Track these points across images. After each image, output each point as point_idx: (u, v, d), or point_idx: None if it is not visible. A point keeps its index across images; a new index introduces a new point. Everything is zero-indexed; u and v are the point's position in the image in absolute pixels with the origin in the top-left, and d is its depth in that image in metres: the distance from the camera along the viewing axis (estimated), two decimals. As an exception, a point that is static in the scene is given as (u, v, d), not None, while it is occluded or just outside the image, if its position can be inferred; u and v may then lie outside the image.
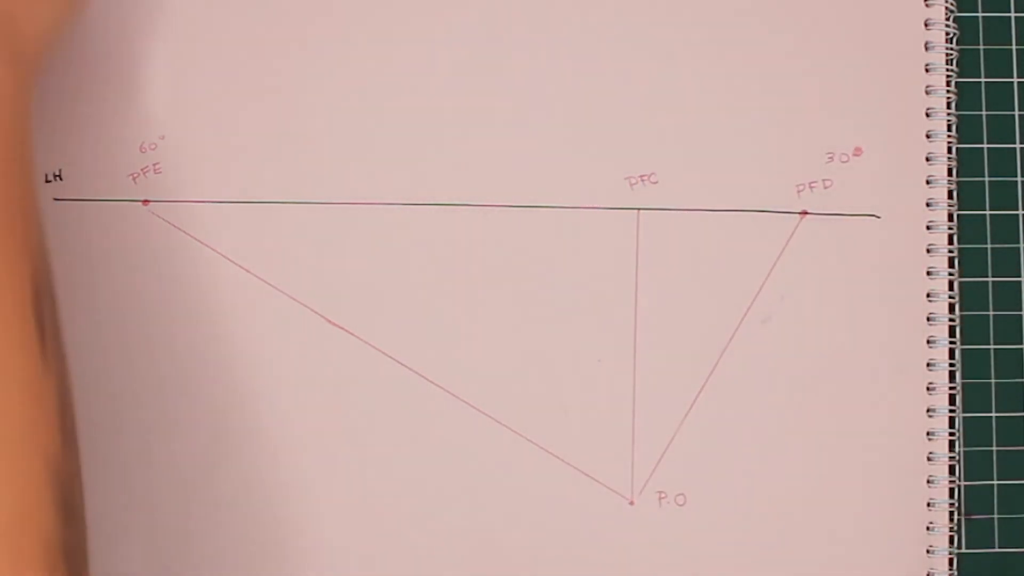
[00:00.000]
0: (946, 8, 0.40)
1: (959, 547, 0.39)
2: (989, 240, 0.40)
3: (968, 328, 0.40)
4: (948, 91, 0.40)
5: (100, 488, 0.38)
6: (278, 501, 0.38)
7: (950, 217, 0.40)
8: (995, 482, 0.40)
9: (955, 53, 0.40)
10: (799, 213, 0.39)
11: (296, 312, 0.38)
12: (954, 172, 0.40)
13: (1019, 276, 0.40)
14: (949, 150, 0.40)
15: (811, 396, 0.39)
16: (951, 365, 0.39)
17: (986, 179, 0.41)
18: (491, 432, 0.38)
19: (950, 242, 0.40)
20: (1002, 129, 0.41)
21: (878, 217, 0.39)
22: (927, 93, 0.40)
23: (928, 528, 0.39)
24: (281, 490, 0.38)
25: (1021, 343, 0.40)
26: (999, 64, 0.41)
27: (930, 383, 0.39)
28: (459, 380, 0.38)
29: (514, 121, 0.39)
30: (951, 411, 0.39)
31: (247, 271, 0.39)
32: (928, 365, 0.39)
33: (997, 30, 0.41)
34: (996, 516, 0.40)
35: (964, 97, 0.41)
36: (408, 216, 0.39)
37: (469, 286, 0.39)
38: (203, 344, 0.38)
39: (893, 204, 0.39)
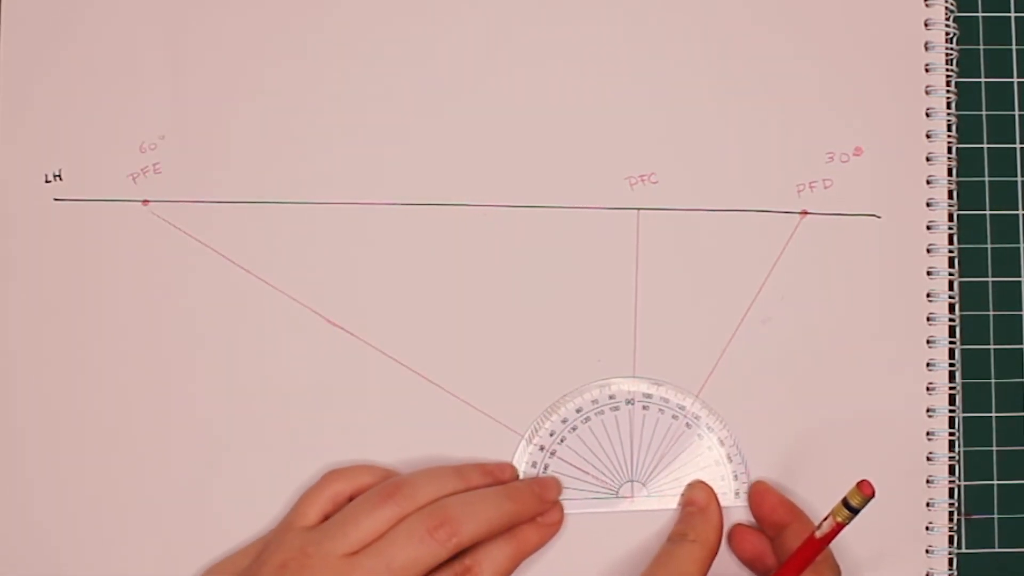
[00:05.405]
0: (946, 8, 0.40)
1: (959, 547, 0.39)
2: (989, 240, 0.40)
3: (968, 328, 0.40)
4: (948, 91, 0.40)
5: (100, 487, 0.38)
6: (277, 500, 0.38)
7: (950, 217, 0.40)
8: (995, 482, 0.40)
9: (955, 53, 0.40)
10: (799, 213, 0.39)
11: (296, 312, 0.39)
12: (954, 172, 0.40)
13: (1019, 276, 0.40)
14: (949, 150, 0.40)
15: (810, 395, 0.39)
16: (951, 365, 0.39)
17: (986, 179, 0.41)
18: (491, 431, 0.38)
19: (950, 242, 0.40)
20: (1002, 129, 0.41)
21: (878, 217, 0.39)
22: (927, 93, 0.40)
23: (928, 528, 0.39)
24: (280, 489, 0.38)
25: (1021, 343, 0.40)
26: (999, 64, 0.41)
27: (930, 383, 0.39)
28: (459, 380, 0.38)
29: (515, 121, 0.39)
30: (951, 411, 0.39)
31: (247, 271, 0.39)
32: (928, 365, 0.39)
33: (997, 30, 0.41)
34: (996, 516, 0.40)
35: (964, 97, 0.41)
36: (408, 216, 0.39)
37: (469, 286, 0.39)
38: (203, 343, 0.38)
39: (893, 204, 0.39)
